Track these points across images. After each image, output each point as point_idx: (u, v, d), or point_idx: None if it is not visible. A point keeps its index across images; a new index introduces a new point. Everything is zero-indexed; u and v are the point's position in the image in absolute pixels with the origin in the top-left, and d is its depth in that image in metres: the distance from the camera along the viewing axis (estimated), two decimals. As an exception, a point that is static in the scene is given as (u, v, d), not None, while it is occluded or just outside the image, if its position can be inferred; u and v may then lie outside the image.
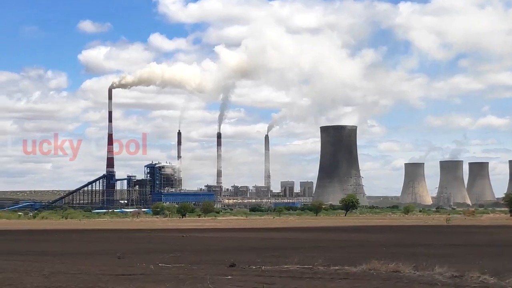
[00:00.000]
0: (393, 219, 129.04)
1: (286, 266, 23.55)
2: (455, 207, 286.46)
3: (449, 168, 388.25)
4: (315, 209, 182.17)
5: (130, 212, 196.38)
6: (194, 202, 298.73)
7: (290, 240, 38.31)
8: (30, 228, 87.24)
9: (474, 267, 22.39)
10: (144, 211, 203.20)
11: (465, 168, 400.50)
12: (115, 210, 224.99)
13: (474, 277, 19.47)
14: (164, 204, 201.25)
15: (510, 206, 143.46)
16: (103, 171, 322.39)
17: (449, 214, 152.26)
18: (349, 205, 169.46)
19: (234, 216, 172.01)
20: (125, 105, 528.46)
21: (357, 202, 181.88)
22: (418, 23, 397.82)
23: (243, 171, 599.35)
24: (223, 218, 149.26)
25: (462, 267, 21.99)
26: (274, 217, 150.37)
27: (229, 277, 20.23)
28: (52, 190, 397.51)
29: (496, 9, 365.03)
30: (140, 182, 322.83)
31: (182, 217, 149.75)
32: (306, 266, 23.42)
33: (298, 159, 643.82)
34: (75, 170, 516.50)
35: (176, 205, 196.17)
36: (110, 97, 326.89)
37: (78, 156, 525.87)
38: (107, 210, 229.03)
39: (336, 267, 22.64)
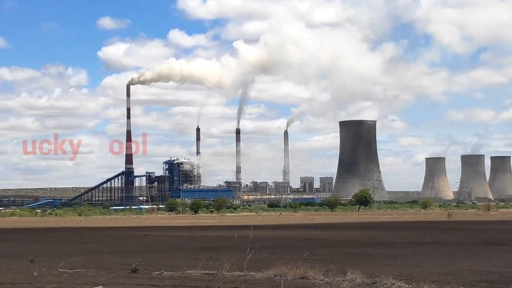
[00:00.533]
0: (403, 214, 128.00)
1: (188, 272, 22.28)
2: (476, 201, 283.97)
3: (471, 162, 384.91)
4: (331, 204, 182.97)
5: (145, 209, 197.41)
6: (212, 198, 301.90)
7: (256, 239, 36.77)
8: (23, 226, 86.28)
9: (404, 271, 21.90)
10: (162, 207, 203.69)
11: (487, 162, 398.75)
12: (132, 207, 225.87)
13: (387, 284, 18.23)
14: (177, 200, 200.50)
15: None
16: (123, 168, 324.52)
17: (466, 209, 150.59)
18: (362, 200, 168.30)
19: (250, 212, 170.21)
20: (145, 102, 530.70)
21: (370, 198, 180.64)
22: (438, 16, 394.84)
23: (263, 167, 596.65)
24: (233, 214, 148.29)
25: (385, 271, 21.16)
26: (281, 213, 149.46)
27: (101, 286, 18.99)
28: (72, 187, 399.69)
29: None
30: (159, 179, 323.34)
31: (195, 214, 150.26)
32: (210, 272, 22.16)
33: (318, 155, 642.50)
34: (96, 167, 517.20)
35: (188, 201, 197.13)
36: (128, 94, 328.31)
37: (98, 153, 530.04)
38: (124, 207, 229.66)
39: (242, 273, 21.30)
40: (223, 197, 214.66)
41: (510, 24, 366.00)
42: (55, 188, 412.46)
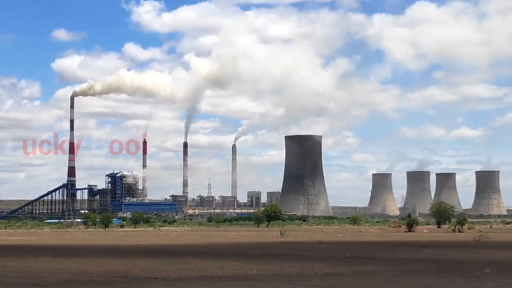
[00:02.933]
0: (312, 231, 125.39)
1: None
2: (420, 218, 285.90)
3: (416, 178, 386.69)
4: (257, 219, 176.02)
5: (65, 222, 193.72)
6: (156, 212, 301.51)
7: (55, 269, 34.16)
8: None
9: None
10: (78, 221, 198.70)
11: (433, 178, 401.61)
12: (47, 221, 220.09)
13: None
14: (93, 214, 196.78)
15: (437, 217, 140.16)
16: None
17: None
18: (272, 215, 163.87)
19: (186, 225, 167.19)
20: (100, 114, 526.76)
21: (280, 213, 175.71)
22: (391, 34, 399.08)
23: (214, 182, 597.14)
24: (131, 229, 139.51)
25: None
26: (190, 228, 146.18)
27: None
28: (18, 200, 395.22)
29: (470, 20, 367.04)
30: (101, 192, 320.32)
31: (105, 228, 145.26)
32: None
33: (271, 169, 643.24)
34: (48, 180, 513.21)
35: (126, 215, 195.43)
36: (72, 106, 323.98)
37: (50, 166, 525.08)
38: (59, 220, 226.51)
39: None
40: (136, 211, 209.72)
41: (463, 43, 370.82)
42: (2, 200, 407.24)
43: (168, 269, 34.96)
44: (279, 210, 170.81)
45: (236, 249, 56.78)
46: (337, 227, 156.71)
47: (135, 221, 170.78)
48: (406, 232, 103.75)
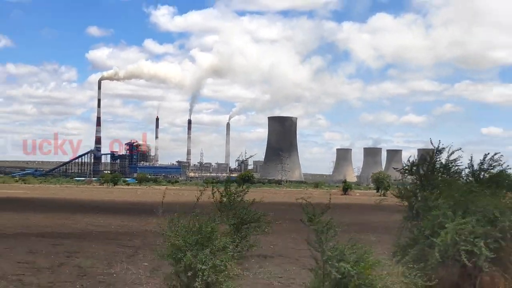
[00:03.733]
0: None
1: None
2: (372, 185, 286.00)
3: (371, 153, 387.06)
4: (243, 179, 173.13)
5: (84, 180, 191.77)
6: (164, 174, 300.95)
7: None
8: None
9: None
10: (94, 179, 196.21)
11: (384, 154, 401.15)
12: (76, 178, 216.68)
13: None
14: (107, 173, 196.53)
15: (376, 184, 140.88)
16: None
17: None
18: (245, 179, 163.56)
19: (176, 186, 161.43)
20: (124, 96, 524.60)
21: (252, 177, 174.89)
22: (357, 38, 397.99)
23: (211, 151, 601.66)
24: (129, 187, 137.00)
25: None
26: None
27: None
28: (56, 161, 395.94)
29: (419, 29, 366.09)
30: (121, 157, 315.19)
31: (114, 185, 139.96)
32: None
33: (257, 143, 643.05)
34: (83, 146, 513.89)
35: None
36: (99, 87, 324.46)
37: (84, 135, 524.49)
38: (85, 178, 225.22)
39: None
40: (145, 174, 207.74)
41: (412, 47, 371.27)
42: (42, 162, 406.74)
43: (34, 223, 31.37)
44: (252, 175, 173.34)
45: (158, 207, 43.25)
46: (300, 190, 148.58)
47: (139, 181, 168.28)
48: (341, 195, 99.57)
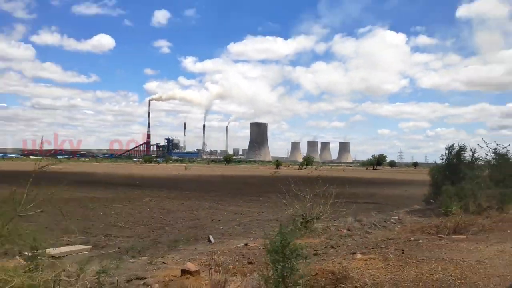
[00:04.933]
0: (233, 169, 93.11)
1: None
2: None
3: (312, 144, 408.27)
4: (226, 159, 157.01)
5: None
6: (188, 157, 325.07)
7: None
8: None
9: None
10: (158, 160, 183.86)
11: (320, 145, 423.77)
12: (134, 159, 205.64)
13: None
14: (146, 157, 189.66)
15: (303, 163, 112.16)
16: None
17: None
18: (228, 159, 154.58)
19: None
20: (167, 110, 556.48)
21: (232, 158, 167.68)
22: (304, 76, 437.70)
23: (217, 143, 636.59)
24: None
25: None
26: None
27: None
28: (125, 149, 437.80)
29: (341, 71, 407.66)
30: (162, 147, 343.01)
31: (149, 163, 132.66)
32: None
33: (245, 139, 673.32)
34: (140, 140, 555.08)
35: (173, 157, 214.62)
36: (149, 105, 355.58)
37: (140, 134, 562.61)
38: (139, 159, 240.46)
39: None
40: (171, 157, 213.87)
41: (337, 82, 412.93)
42: (115, 149, 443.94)
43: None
44: (232, 157, 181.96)
45: (150, 180, 40.53)
46: (268, 166, 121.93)
47: (167, 160, 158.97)
48: (275, 169, 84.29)
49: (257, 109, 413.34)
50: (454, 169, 17.19)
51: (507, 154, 16.95)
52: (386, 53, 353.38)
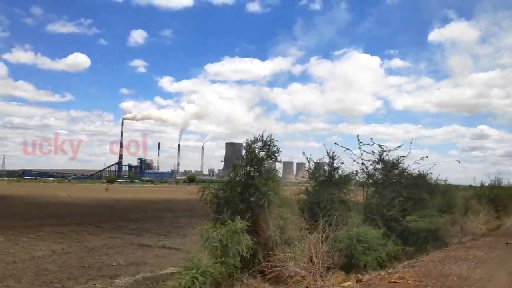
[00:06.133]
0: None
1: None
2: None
3: (287, 164, 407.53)
4: (189, 179, 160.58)
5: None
6: (160, 178, 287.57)
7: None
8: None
9: None
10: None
11: (295, 165, 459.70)
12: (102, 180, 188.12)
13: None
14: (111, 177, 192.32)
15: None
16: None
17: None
18: (191, 179, 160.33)
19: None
20: (142, 130, 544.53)
21: (195, 178, 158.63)
22: (281, 97, 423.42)
23: (192, 163, 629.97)
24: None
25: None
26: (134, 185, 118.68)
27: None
28: (95, 170, 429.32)
29: (317, 92, 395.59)
30: (134, 167, 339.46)
31: (111, 184, 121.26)
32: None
33: (220, 158, 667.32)
34: (109, 161, 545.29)
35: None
36: (122, 124, 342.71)
37: (111, 155, 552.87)
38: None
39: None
40: (139, 176, 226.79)
41: (313, 103, 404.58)
42: (87, 170, 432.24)
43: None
44: (194, 176, 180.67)
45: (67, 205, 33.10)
46: None
47: (132, 180, 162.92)
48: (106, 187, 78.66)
49: (234, 129, 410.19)
50: None
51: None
52: (361, 75, 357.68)
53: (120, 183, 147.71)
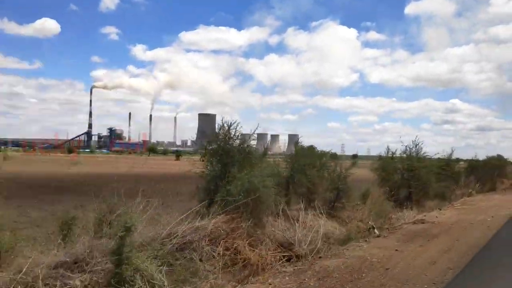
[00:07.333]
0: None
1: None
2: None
3: (262, 137, 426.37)
4: (149, 150, 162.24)
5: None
6: (132, 148, 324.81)
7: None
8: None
9: None
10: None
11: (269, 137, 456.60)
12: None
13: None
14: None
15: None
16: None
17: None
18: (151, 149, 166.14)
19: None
20: (112, 99, 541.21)
21: (156, 149, 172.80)
22: (257, 68, 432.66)
23: (165, 134, 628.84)
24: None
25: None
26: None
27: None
28: (64, 139, 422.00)
29: (294, 63, 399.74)
30: (104, 137, 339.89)
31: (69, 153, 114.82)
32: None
33: (193, 130, 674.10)
34: (80, 130, 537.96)
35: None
36: (91, 93, 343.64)
37: (83, 124, 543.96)
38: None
39: None
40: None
41: (290, 74, 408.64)
42: (54, 139, 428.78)
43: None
44: (156, 147, 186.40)
45: None
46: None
47: (92, 151, 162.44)
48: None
49: (208, 99, 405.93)
50: None
51: None
52: (337, 48, 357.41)
53: (79, 153, 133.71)
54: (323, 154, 14.90)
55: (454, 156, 25.77)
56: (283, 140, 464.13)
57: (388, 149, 19.50)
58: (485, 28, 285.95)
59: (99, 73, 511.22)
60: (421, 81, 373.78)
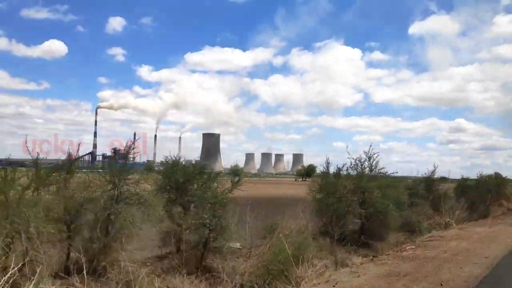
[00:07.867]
0: None
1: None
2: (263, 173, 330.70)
3: (266, 156, 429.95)
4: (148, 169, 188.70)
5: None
6: (134, 166, 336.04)
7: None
8: None
9: None
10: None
11: (274, 156, 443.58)
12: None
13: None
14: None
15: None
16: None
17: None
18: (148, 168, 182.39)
19: None
20: (120, 120, 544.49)
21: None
22: (262, 88, 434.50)
23: (172, 153, 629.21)
24: None
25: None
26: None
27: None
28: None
29: (298, 84, 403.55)
30: (108, 156, 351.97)
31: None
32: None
33: (198, 149, 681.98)
34: (86, 150, 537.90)
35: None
36: (96, 113, 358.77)
37: (88, 144, 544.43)
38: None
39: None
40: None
41: (294, 94, 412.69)
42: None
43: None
44: (153, 166, 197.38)
45: None
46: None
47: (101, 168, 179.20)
48: None
49: (213, 120, 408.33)
50: None
51: None
52: (341, 68, 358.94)
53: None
54: None
55: (450, 175, 22.40)
56: (287, 160, 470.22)
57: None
58: (489, 47, 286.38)
59: (105, 93, 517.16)
60: (426, 101, 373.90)
